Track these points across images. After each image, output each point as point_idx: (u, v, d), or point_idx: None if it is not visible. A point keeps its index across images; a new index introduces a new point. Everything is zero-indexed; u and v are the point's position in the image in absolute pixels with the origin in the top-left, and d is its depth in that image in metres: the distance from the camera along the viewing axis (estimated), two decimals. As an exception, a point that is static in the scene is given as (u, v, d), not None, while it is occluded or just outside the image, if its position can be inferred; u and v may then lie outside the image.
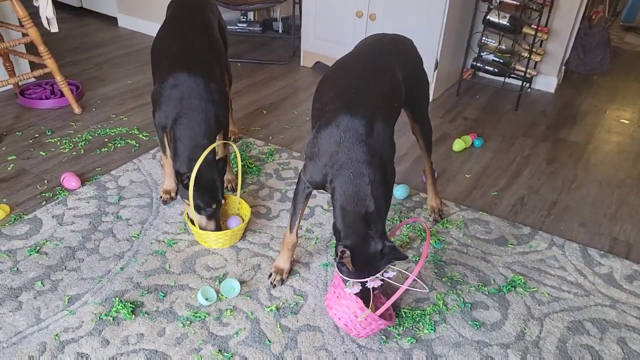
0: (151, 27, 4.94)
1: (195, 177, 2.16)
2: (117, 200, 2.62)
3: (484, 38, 3.91)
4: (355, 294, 1.80)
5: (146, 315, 2.00)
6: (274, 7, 5.37)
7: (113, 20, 5.25)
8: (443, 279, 2.27)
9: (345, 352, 1.91)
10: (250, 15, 5.32)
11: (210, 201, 2.28)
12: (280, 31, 5.11)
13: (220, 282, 2.14)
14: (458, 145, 3.29)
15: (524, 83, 3.92)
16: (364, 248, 1.78)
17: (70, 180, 2.69)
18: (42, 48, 3.23)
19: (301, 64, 4.49)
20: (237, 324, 1.99)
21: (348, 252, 1.74)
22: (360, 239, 1.78)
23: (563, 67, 4.34)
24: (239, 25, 5.10)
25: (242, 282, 2.17)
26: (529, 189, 2.96)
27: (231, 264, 2.29)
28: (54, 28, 3.26)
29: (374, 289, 1.83)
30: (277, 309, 2.06)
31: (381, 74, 2.03)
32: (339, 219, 1.83)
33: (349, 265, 1.77)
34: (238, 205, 2.56)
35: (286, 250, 2.22)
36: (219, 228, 2.35)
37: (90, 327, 1.93)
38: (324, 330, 1.99)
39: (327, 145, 1.84)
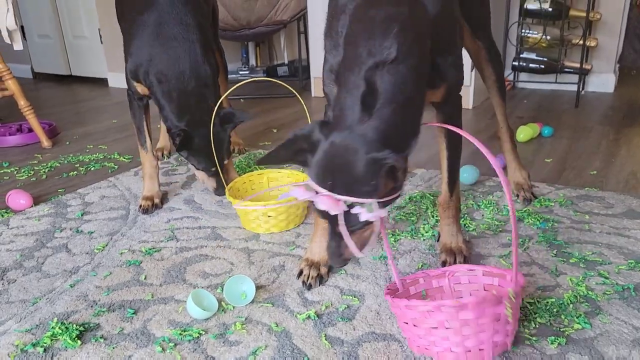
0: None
1: (190, 133, 1.71)
2: (79, 215, 1.88)
3: (523, 30, 3.34)
4: None
5: (101, 341, 1.19)
6: (277, 53, 4.95)
7: (103, 82, 4.79)
8: (571, 261, 1.45)
9: (449, 366, 1.07)
10: (253, 61, 4.86)
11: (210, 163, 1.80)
12: (287, 75, 4.61)
13: (222, 290, 1.34)
14: (524, 133, 2.58)
15: (581, 77, 3.27)
16: (333, 143, 1.04)
17: (17, 198, 1.97)
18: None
19: (312, 94, 3.90)
20: (253, 340, 1.17)
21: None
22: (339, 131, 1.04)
23: (617, 65, 3.72)
24: (240, 73, 4.62)
25: (258, 288, 1.37)
26: (638, 165, 2.20)
27: (240, 268, 1.50)
28: (18, 44, 2.71)
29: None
30: (318, 315, 1.25)
31: None
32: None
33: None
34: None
35: (320, 231, 1.43)
36: (221, 186, 1.86)
37: (3, 365, 1.12)
38: (404, 338, 1.16)
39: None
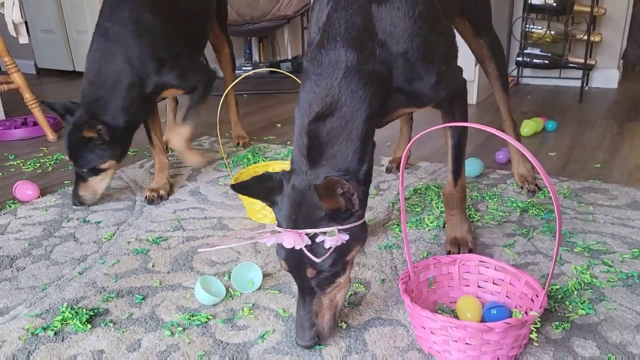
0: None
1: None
2: (86, 207, 1.90)
3: (527, 25, 3.34)
4: None
5: (110, 325, 1.21)
6: (280, 48, 4.96)
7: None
8: (576, 250, 1.46)
9: (455, 350, 1.08)
10: (256, 56, 4.88)
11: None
12: (290, 71, 4.62)
13: (230, 277, 1.36)
14: (528, 127, 2.58)
15: (585, 72, 3.28)
16: (297, 180, 1.09)
17: (24, 189, 1.99)
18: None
19: (317, 90, 3.91)
20: (261, 325, 1.19)
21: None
22: (299, 164, 1.10)
23: (621, 61, 3.72)
24: (243, 69, 4.63)
25: (264, 275, 1.38)
26: (640, 158, 2.21)
27: (246, 256, 1.51)
28: (23, 38, 2.73)
29: (299, 255, 1.04)
30: (325, 302, 1.26)
31: None
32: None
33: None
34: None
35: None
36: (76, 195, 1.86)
37: (15, 348, 1.14)
38: (409, 323, 1.17)
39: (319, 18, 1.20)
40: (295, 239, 1.01)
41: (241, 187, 1.13)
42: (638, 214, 1.67)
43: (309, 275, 1.04)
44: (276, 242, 1.04)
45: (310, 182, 1.03)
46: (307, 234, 1.01)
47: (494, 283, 1.22)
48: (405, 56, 1.14)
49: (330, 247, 1.01)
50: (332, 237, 1.01)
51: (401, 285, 1.11)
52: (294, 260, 1.04)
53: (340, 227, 1.03)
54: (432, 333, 1.04)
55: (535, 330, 1.03)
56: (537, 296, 1.08)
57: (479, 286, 1.24)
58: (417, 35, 1.15)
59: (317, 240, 1.02)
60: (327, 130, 1.05)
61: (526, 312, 1.12)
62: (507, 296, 1.19)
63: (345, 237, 1.03)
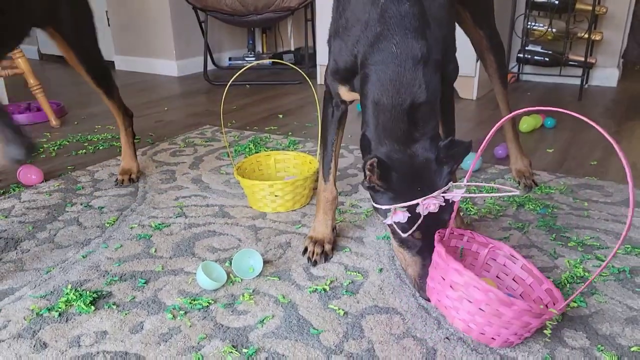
0: (151, 65, 4.50)
1: None
2: (89, 192, 1.92)
3: (529, 22, 3.36)
4: (408, 233, 1.15)
5: (114, 307, 1.24)
6: (283, 40, 4.97)
7: (109, 65, 4.81)
8: (569, 244, 1.49)
9: (448, 338, 1.11)
10: (259, 47, 4.89)
11: None
12: (292, 62, 4.63)
13: (230, 263, 1.39)
14: (527, 124, 2.61)
15: (585, 70, 3.30)
16: (407, 156, 1.14)
17: (28, 173, 2.01)
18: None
19: (318, 82, 3.93)
20: (260, 310, 1.22)
21: (374, 164, 1.08)
22: (400, 144, 1.14)
23: (621, 60, 3.74)
24: (246, 59, 4.64)
25: (265, 263, 1.41)
26: (638, 157, 2.24)
27: (247, 244, 1.54)
28: (28, 24, 2.73)
29: (434, 216, 1.13)
30: (324, 290, 1.29)
31: None
32: (370, 122, 1.17)
33: (379, 183, 1.12)
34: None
35: (323, 210, 1.49)
36: None
37: (20, 328, 1.17)
38: (405, 311, 1.21)
39: (360, 9, 1.19)
40: (434, 203, 1.11)
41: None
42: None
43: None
44: (418, 212, 1.12)
45: (429, 155, 1.13)
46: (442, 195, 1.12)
47: (513, 279, 1.23)
48: (444, 41, 1.21)
49: (454, 202, 1.14)
50: (460, 191, 1.13)
51: (438, 235, 1.14)
52: (429, 225, 1.13)
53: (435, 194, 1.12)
54: (450, 287, 1.05)
55: (549, 326, 1.06)
56: (554, 304, 1.10)
57: (497, 276, 1.25)
58: (450, 22, 1.27)
59: (447, 196, 1.13)
60: (421, 114, 1.14)
61: (546, 306, 1.14)
62: (520, 296, 1.21)
63: (462, 191, 1.13)
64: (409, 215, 1.11)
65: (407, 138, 1.13)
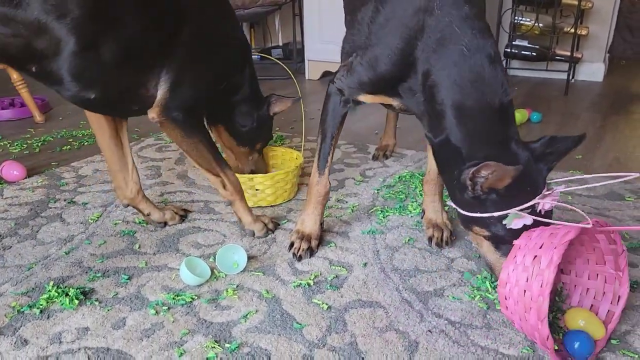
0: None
1: None
2: (73, 188, 1.91)
3: (516, 17, 3.37)
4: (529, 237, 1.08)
5: (96, 304, 1.23)
6: (271, 35, 4.95)
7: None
8: (552, 237, 1.50)
9: (430, 331, 1.12)
10: (246, 42, 4.86)
11: None
12: (281, 57, 4.61)
13: (214, 259, 1.38)
14: (513, 118, 2.62)
15: (571, 65, 3.32)
16: (511, 158, 1.11)
17: (10, 169, 1.99)
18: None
19: (306, 77, 3.92)
20: (244, 305, 1.22)
21: (490, 170, 1.05)
22: (500, 146, 1.12)
23: (607, 55, 3.77)
24: (233, 54, 4.61)
25: (249, 258, 1.41)
26: (621, 151, 2.26)
27: (232, 239, 1.53)
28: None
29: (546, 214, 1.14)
30: (308, 284, 1.29)
31: None
32: (454, 128, 1.15)
33: (498, 187, 1.10)
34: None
35: (314, 204, 1.48)
36: None
37: (0, 325, 1.16)
38: (388, 305, 1.21)
39: (409, 17, 1.17)
40: (550, 202, 1.12)
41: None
42: (614, 204, 1.72)
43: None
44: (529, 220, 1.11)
45: (528, 154, 1.13)
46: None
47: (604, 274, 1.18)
48: None
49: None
50: (561, 187, 1.20)
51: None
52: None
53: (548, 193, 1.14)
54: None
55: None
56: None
57: (588, 260, 1.20)
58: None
59: (552, 196, 1.13)
60: (510, 114, 1.17)
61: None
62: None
63: (562, 187, 1.25)
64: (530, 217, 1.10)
65: (504, 139, 1.13)
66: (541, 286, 0.96)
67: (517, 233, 1.11)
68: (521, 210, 1.10)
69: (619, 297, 1.13)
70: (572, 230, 1.00)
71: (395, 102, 1.32)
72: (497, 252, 1.19)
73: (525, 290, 1.00)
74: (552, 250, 0.98)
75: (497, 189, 1.10)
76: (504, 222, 1.12)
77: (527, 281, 1.00)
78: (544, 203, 1.11)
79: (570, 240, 0.99)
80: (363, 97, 1.35)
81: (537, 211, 1.12)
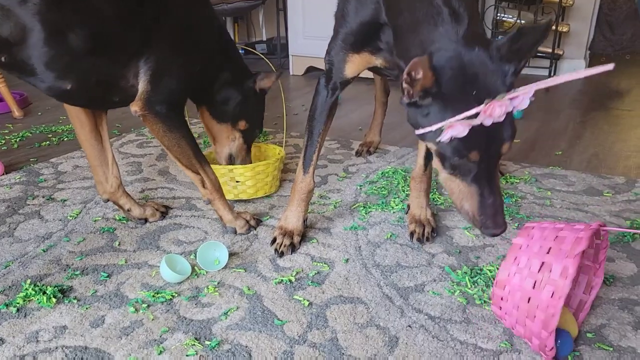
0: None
1: None
2: (52, 185, 1.88)
3: (499, 14, 3.39)
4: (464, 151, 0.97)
5: (74, 302, 1.21)
6: (255, 30, 4.93)
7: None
8: (532, 232, 1.52)
9: (410, 326, 1.13)
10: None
11: None
12: (265, 52, 4.59)
13: (195, 256, 1.37)
14: (495, 114, 2.64)
15: (553, 62, 3.35)
16: (453, 53, 0.98)
17: (-11, 165, 1.96)
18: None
19: (290, 73, 3.91)
20: (225, 302, 1.21)
21: (426, 63, 0.91)
22: (447, 40, 0.99)
23: (588, 52, 3.81)
24: (217, 49, 4.58)
25: (231, 255, 1.40)
26: (600, 147, 2.29)
27: (214, 236, 1.53)
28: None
29: (496, 129, 0.96)
30: (290, 281, 1.29)
31: None
32: (408, 35, 1.08)
33: (430, 87, 0.95)
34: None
35: (297, 201, 1.48)
36: None
37: (-24, 324, 1.14)
38: (369, 300, 1.21)
39: None
40: (500, 108, 0.92)
41: None
42: (593, 200, 1.74)
43: (504, 151, 0.99)
44: (481, 121, 0.93)
45: (482, 52, 0.97)
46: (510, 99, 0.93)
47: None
48: None
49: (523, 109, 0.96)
50: (528, 94, 0.93)
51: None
52: (490, 141, 0.97)
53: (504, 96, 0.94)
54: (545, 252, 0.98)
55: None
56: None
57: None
58: None
59: (514, 102, 0.95)
60: (469, 13, 1.03)
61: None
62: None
63: (530, 94, 0.94)
64: (469, 124, 0.92)
65: (455, 39, 0.99)
66: (552, 296, 0.92)
67: (464, 147, 0.97)
68: (465, 118, 0.93)
69: (592, 287, 1.15)
70: (584, 239, 0.94)
71: (379, 61, 1.32)
72: (445, 170, 1.06)
73: (530, 297, 0.97)
74: (563, 258, 0.94)
75: (432, 93, 0.96)
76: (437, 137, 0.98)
77: (533, 288, 0.97)
78: (492, 110, 0.91)
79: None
80: (349, 67, 1.35)
81: (483, 121, 0.93)
